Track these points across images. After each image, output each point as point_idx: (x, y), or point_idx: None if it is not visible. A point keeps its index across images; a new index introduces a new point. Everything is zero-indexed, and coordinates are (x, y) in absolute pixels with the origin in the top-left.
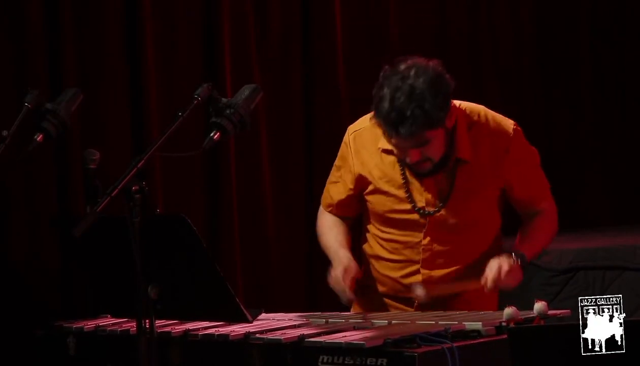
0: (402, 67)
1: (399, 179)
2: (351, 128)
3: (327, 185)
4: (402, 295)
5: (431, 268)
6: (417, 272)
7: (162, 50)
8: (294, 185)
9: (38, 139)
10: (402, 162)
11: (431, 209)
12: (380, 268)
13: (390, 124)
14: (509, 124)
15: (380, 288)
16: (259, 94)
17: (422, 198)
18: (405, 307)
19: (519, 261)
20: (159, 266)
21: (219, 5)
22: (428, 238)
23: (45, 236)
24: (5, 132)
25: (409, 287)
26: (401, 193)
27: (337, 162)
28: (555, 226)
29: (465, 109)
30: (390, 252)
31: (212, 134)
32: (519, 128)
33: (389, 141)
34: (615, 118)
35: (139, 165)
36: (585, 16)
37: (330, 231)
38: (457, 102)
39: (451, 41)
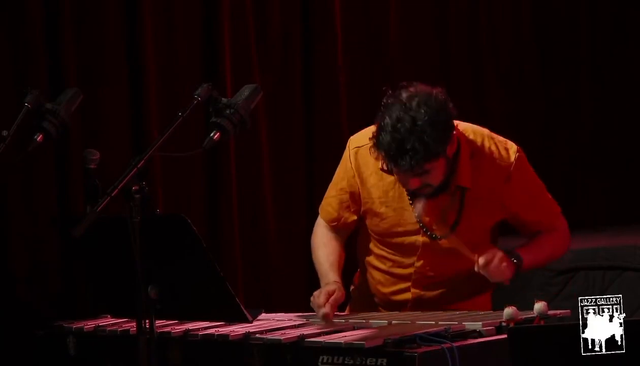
0: (405, 96)
1: (401, 198)
2: (353, 142)
3: (326, 197)
4: (394, 309)
5: (421, 289)
6: (407, 290)
7: (162, 50)
8: (294, 185)
9: (38, 139)
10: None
11: (437, 234)
12: (372, 281)
13: (390, 157)
14: (511, 151)
15: (373, 298)
16: (259, 94)
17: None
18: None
19: (514, 261)
20: (159, 266)
21: (219, 5)
22: (422, 261)
23: (45, 236)
24: (5, 132)
25: (399, 303)
26: (401, 213)
27: (337, 175)
28: (565, 245)
29: (468, 135)
30: (383, 268)
31: (212, 134)
32: (522, 154)
33: (393, 172)
34: (615, 118)
35: (139, 165)
36: (585, 16)
37: (324, 247)
38: (460, 126)
39: (451, 41)
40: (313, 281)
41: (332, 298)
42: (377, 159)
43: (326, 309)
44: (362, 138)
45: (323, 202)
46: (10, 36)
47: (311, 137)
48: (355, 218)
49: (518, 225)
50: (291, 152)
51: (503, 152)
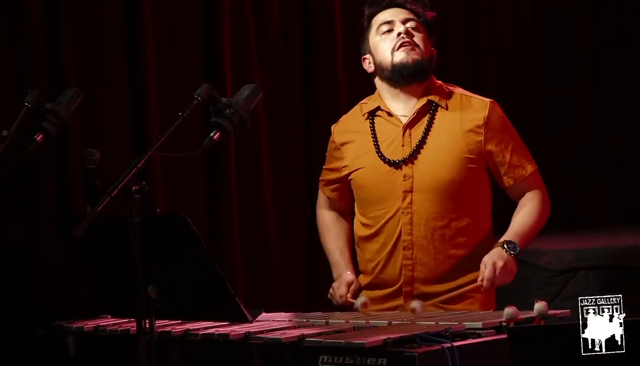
0: None
1: (370, 141)
2: (333, 126)
3: (319, 187)
4: (384, 282)
5: (412, 234)
6: (398, 241)
7: (162, 50)
8: (294, 185)
9: (38, 139)
10: (395, 50)
11: (404, 157)
12: (364, 253)
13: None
14: (486, 98)
15: (367, 280)
16: (259, 94)
17: (399, 153)
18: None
19: (512, 252)
20: (159, 266)
21: (219, 5)
22: (407, 200)
23: (45, 236)
24: (5, 132)
25: (390, 267)
26: (373, 155)
27: (325, 164)
28: (548, 209)
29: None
30: (373, 233)
31: (212, 134)
32: (496, 102)
33: (381, 21)
34: (615, 118)
35: (139, 165)
36: (585, 16)
37: (329, 232)
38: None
39: (451, 41)
40: (313, 281)
41: (352, 288)
42: (371, 15)
43: (343, 290)
44: (339, 120)
45: (319, 192)
46: (10, 36)
47: (311, 137)
48: (348, 191)
49: (502, 172)
50: (291, 152)
51: (479, 97)
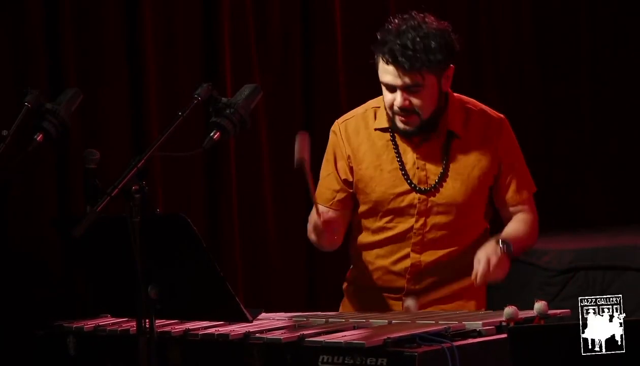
0: (412, 14)
1: (394, 161)
2: (339, 120)
3: (320, 182)
4: (392, 285)
5: (420, 252)
6: (407, 257)
7: (162, 50)
8: (294, 185)
9: (38, 139)
10: (392, 119)
11: (425, 187)
12: (370, 258)
13: (392, 54)
14: (499, 114)
15: (369, 282)
16: (259, 94)
17: (415, 176)
18: (394, 296)
19: (506, 249)
20: (159, 266)
21: (219, 5)
22: (421, 221)
23: (45, 236)
24: (5, 132)
25: (398, 274)
26: (395, 174)
27: (326, 156)
28: (536, 234)
29: (459, 95)
30: (381, 241)
31: (212, 134)
32: (506, 120)
33: (383, 79)
34: (615, 118)
35: (139, 165)
36: (585, 16)
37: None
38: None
39: None
40: (313, 281)
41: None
42: (378, 58)
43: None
44: (348, 114)
45: (317, 190)
46: (10, 36)
47: (311, 138)
48: (350, 195)
49: (504, 191)
50: (291, 152)
51: (493, 111)
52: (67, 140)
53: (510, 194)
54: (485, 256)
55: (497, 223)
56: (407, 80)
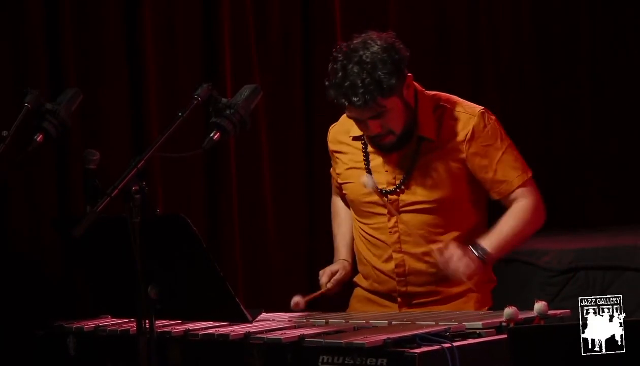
0: (354, 42)
1: (362, 162)
2: (331, 126)
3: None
4: (386, 287)
5: (400, 251)
6: (391, 258)
7: (162, 50)
8: (294, 185)
9: (38, 139)
10: (370, 141)
11: (390, 188)
12: (365, 255)
13: (345, 95)
14: (476, 109)
15: (365, 283)
16: (259, 94)
17: (383, 179)
18: (388, 303)
19: (477, 253)
20: (159, 266)
21: (219, 5)
22: (393, 220)
23: (45, 236)
24: (5, 132)
25: (388, 275)
26: (364, 168)
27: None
28: (539, 217)
29: (431, 94)
30: (369, 241)
31: (212, 134)
32: (488, 113)
33: (348, 114)
34: (615, 118)
35: (139, 165)
36: (585, 16)
37: (336, 218)
38: (430, 91)
39: (451, 41)
40: (313, 281)
41: (334, 278)
42: (333, 98)
43: (324, 279)
44: (339, 121)
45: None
46: (10, 36)
47: (311, 137)
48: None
49: (488, 187)
50: (291, 152)
51: (468, 109)
52: (67, 140)
53: (496, 186)
54: (457, 248)
55: (495, 216)
56: (367, 113)
